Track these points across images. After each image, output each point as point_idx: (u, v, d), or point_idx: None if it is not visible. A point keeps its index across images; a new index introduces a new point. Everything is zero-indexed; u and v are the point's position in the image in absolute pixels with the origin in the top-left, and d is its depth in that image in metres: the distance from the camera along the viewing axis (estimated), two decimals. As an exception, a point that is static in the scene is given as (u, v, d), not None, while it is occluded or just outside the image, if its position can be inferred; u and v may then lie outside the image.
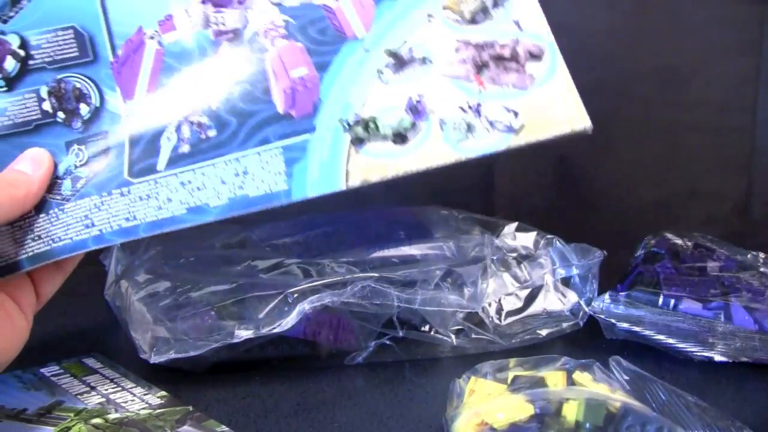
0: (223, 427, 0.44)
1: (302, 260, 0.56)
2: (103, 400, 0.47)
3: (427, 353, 0.54)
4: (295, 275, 0.55)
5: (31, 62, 0.46)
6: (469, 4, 0.48)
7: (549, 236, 0.59)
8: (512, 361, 0.46)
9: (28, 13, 0.46)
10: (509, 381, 0.44)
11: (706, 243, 0.62)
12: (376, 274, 0.52)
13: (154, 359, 0.49)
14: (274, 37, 0.47)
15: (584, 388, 0.42)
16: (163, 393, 0.48)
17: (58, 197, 0.44)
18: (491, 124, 0.45)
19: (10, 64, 0.46)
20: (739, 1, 0.76)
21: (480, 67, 0.46)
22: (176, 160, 0.45)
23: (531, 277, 0.56)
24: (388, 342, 0.53)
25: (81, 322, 0.50)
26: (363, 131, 0.45)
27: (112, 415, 0.45)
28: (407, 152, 0.45)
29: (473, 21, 0.48)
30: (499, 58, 0.47)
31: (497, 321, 0.55)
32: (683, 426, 0.42)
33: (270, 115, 0.46)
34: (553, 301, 0.56)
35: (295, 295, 0.50)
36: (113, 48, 0.46)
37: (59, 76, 0.46)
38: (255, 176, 0.44)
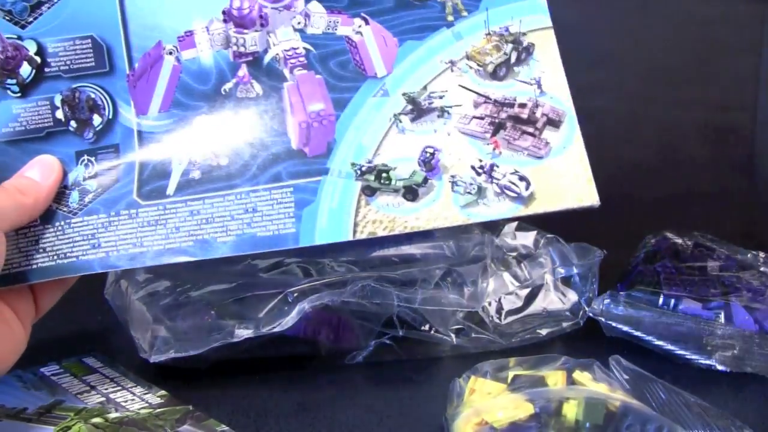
0: (223, 426, 0.44)
1: (302, 259, 0.56)
2: (103, 399, 0.47)
3: (427, 352, 0.53)
4: (295, 274, 0.54)
5: (46, 69, 0.46)
6: (493, 57, 0.47)
7: (549, 235, 0.59)
8: (512, 361, 0.46)
9: (47, 20, 0.46)
10: (509, 380, 0.44)
11: (706, 242, 0.62)
12: (376, 274, 0.52)
13: (154, 359, 0.49)
14: (294, 65, 0.46)
15: (584, 387, 0.42)
16: (163, 392, 0.48)
17: (65, 209, 0.44)
18: (502, 189, 0.45)
19: (26, 70, 0.45)
20: (739, 1, 0.76)
21: (497, 127, 0.46)
22: (186, 186, 0.44)
23: (531, 277, 0.56)
24: (388, 341, 0.53)
25: (81, 322, 0.50)
26: (375, 181, 0.45)
27: (112, 415, 0.45)
28: (416, 210, 0.45)
29: (495, 75, 0.47)
30: (516, 120, 0.46)
31: (497, 320, 0.55)
32: (683, 425, 0.42)
33: (284, 150, 0.45)
34: (553, 300, 0.56)
35: (295, 295, 0.50)
36: (130, 60, 0.46)
37: (74, 85, 0.46)
38: (264, 215, 0.44)
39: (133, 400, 0.47)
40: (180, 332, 0.50)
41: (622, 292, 0.56)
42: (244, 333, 0.49)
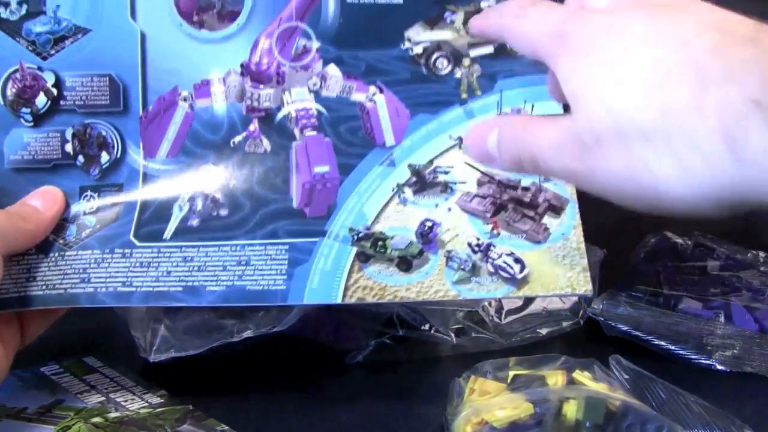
0: (223, 426, 0.44)
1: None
2: (103, 399, 0.47)
3: (427, 352, 0.53)
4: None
5: (62, 102, 0.46)
6: None
7: (549, 235, 0.59)
8: (512, 360, 0.46)
9: (68, 54, 0.46)
10: (509, 380, 0.44)
11: (706, 242, 0.62)
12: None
13: (154, 358, 0.49)
14: (305, 126, 0.47)
15: (584, 387, 0.42)
16: (163, 392, 0.48)
17: (62, 241, 0.44)
18: (496, 269, 0.45)
19: (42, 101, 0.46)
20: (739, 1, 0.76)
21: (498, 208, 0.46)
22: (183, 232, 0.45)
23: (531, 277, 0.56)
24: (388, 341, 0.53)
25: (81, 322, 0.50)
26: (371, 248, 0.45)
27: (112, 414, 0.45)
28: (408, 281, 0.45)
29: None
30: (518, 202, 0.47)
31: (497, 320, 0.55)
32: (683, 425, 0.42)
33: (284, 208, 0.45)
34: (553, 300, 0.56)
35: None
36: (145, 102, 0.46)
37: (87, 121, 0.46)
38: (257, 269, 0.44)
39: (133, 399, 0.47)
40: (180, 332, 0.50)
41: (622, 292, 0.56)
42: (243, 333, 0.49)
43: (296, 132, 0.47)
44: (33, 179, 0.45)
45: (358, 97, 0.48)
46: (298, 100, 0.47)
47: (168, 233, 0.45)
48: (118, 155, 0.46)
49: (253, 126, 0.47)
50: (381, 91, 0.48)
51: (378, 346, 0.53)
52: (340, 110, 0.47)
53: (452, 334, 0.53)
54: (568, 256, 0.45)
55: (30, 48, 0.46)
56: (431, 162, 0.47)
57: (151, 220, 0.45)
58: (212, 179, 0.45)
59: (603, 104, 0.33)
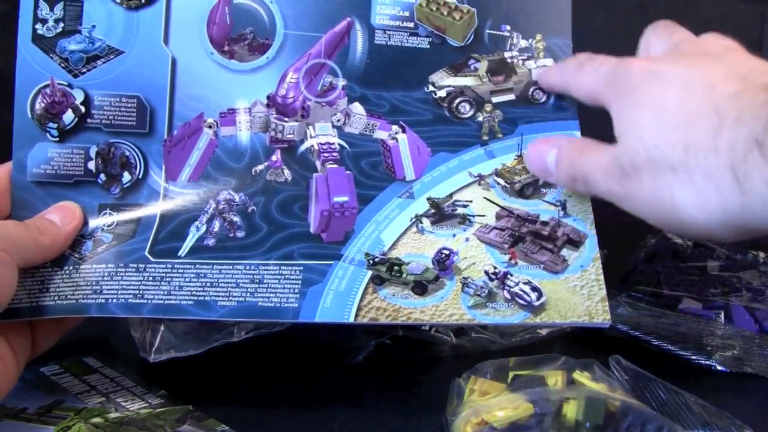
0: (223, 426, 0.44)
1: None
2: (103, 399, 0.47)
3: (427, 352, 0.53)
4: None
5: (88, 120, 0.47)
6: (522, 177, 0.48)
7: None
8: (512, 361, 0.46)
9: (99, 73, 0.47)
10: (509, 380, 0.44)
11: (706, 242, 0.62)
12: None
13: (154, 359, 0.49)
14: (326, 159, 0.47)
15: (584, 387, 0.42)
16: (163, 392, 0.48)
17: (77, 255, 0.45)
18: (513, 296, 0.45)
19: (69, 117, 0.46)
20: (739, 1, 0.76)
21: (516, 240, 0.47)
22: (199, 251, 0.45)
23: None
24: (388, 341, 0.53)
25: (81, 322, 0.50)
26: (386, 272, 0.45)
27: (112, 414, 0.45)
28: (423, 304, 0.45)
29: (521, 193, 0.49)
30: (537, 235, 0.47)
31: (497, 320, 0.55)
32: (683, 425, 0.42)
33: (301, 232, 0.46)
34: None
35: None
36: (170, 126, 0.47)
37: (112, 140, 0.47)
38: (270, 287, 0.44)
39: (133, 399, 0.47)
40: (180, 332, 0.50)
41: (622, 293, 0.56)
42: (243, 333, 0.49)
43: (318, 164, 0.48)
44: (54, 194, 0.46)
45: (380, 134, 0.49)
46: (322, 135, 0.48)
47: (183, 251, 0.45)
48: (140, 176, 0.46)
49: (276, 156, 0.47)
50: (403, 130, 0.49)
51: (378, 346, 0.53)
52: (362, 146, 0.48)
53: (452, 335, 0.53)
54: (586, 287, 0.46)
55: (62, 65, 0.46)
56: (450, 196, 0.48)
57: (167, 239, 0.45)
58: (231, 203, 0.46)
59: (640, 140, 0.40)
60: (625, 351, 0.48)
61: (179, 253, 0.45)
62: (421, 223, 0.47)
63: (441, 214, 0.47)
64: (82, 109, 0.46)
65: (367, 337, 0.53)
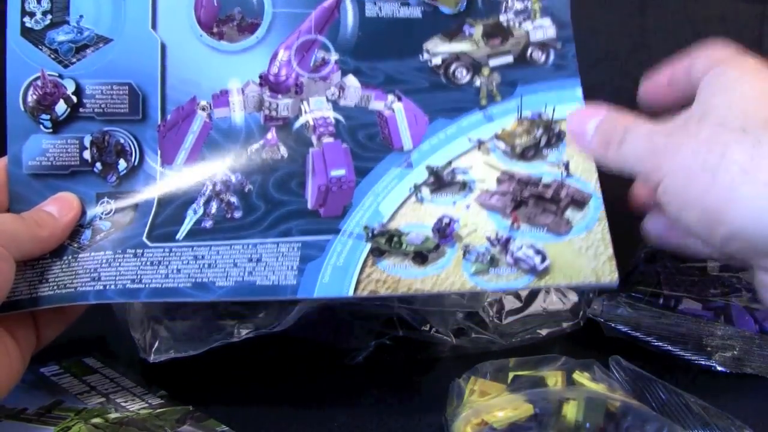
0: (223, 427, 0.44)
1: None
2: (103, 399, 0.47)
3: (427, 353, 0.53)
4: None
5: (81, 110, 0.46)
6: (522, 139, 0.47)
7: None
8: (512, 361, 0.46)
9: (89, 62, 0.47)
10: (509, 381, 0.44)
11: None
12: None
13: (154, 359, 0.49)
14: (322, 133, 0.47)
15: (584, 387, 0.42)
16: (163, 392, 0.48)
17: (76, 245, 0.45)
18: (516, 261, 0.45)
19: (61, 108, 0.46)
20: (739, 1, 0.76)
21: (518, 204, 0.46)
22: (197, 233, 0.45)
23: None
24: (388, 342, 0.53)
25: (81, 322, 0.50)
26: (385, 243, 0.45)
27: (112, 415, 0.45)
28: (423, 274, 0.44)
29: (522, 156, 0.47)
30: (539, 198, 0.46)
31: (497, 320, 0.55)
32: (683, 425, 0.42)
33: (299, 209, 0.46)
34: (553, 300, 0.56)
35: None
36: (164, 111, 0.47)
37: (105, 129, 0.46)
38: (268, 265, 0.44)
39: (133, 400, 0.47)
40: (180, 332, 0.50)
41: (622, 293, 0.56)
42: (243, 333, 0.49)
43: (314, 139, 0.47)
44: (51, 185, 0.46)
45: (376, 105, 0.48)
46: (316, 110, 0.48)
47: (181, 234, 0.45)
48: (136, 163, 0.46)
49: (271, 134, 0.47)
50: (399, 99, 0.48)
51: (378, 346, 0.53)
52: (358, 118, 0.48)
53: (452, 335, 0.53)
54: (592, 247, 0.45)
55: (52, 56, 0.46)
56: (449, 163, 0.47)
57: (165, 223, 0.45)
58: (227, 184, 0.46)
59: (726, 98, 0.40)
60: (625, 351, 0.48)
61: (177, 237, 0.45)
62: (420, 192, 0.46)
63: (440, 182, 0.46)
64: (74, 99, 0.46)
65: (367, 337, 0.53)
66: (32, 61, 0.46)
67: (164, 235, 0.45)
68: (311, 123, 0.47)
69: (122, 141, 0.46)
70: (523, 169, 0.47)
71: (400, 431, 0.46)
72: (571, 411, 0.40)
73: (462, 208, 0.46)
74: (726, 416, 0.43)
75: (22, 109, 0.46)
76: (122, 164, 0.46)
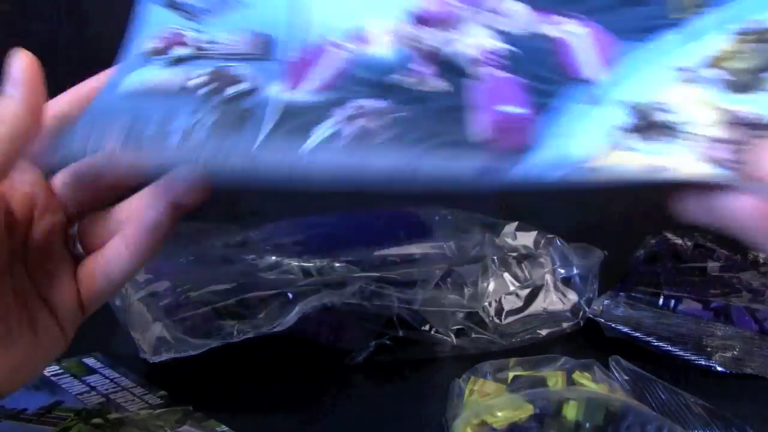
0: (223, 427, 0.44)
1: (302, 260, 0.56)
2: (103, 399, 0.47)
3: (427, 353, 0.53)
4: (295, 275, 0.55)
5: (201, 53, 0.40)
6: (748, 63, 0.35)
7: (549, 236, 0.59)
8: (512, 361, 0.46)
9: (215, 12, 0.41)
10: (509, 381, 0.44)
11: (706, 243, 0.62)
12: (376, 274, 0.52)
13: (154, 359, 0.49)
14: (485, 64, 0.38)
15: (584, 387, 0.42)
16: (163, 393, 0.48)
17: None
18: None
19: (181, 51, 0.41)
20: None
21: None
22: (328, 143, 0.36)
23: (531, 277, 0.56)
24: (388, 342, 0.53)
25: (81, 323, 0.50)
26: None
27: (112, 415, 0.45)
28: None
29: (746, 87, 0.35)
30: None
31: (497, 320, 0.55)
32: (683, 426, 0.42)
33: (456, 140, 0.36)
34: (553, 300, 0.56)
35: (295, 294, 0.50)
36: (290, 50, 0.40)
37: (226, 64, 0.40)
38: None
39: (133, 400, 0.47)
40: (180, 332, 0.50)
41: (622, 293, 0.56)
42: (243, 333, 0.49)
43: (474, 71, 0.38)
44: (156, 102, 0.38)
45: (550, 31, 0.39)
46: (478, 39, 0.39)
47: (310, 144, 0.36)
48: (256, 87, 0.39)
49: (422, 68, 0.39)
50: (579, 21, 0.39)
51: (378, 346, 0.53)
52: (527, 46, 0.39)
53: (452, 335, 0.53)
54: None
55: (176, 11, 0.42)
56: (650, 98, 0.35)
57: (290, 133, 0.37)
58: (365, 113, 0.37)
59: None
60: (625, 352, 0.48)
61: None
62: (616, 136, 0.34)
63: (640, 123, 0.35)
64: (195, 45, 0.41)
65: (367, 337, 0.53)
66: (157, 18, 0.41)
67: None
68: (474, 54, 0.39)
69: (243, 73, 0.40)
70: (747, 104, 0.34)
71: (400, 431, 0.46)
72: (571, 411, 0.40)
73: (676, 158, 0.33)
74: (726, 417, 0.43)
75: (140, 53, 0.40)
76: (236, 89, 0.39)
